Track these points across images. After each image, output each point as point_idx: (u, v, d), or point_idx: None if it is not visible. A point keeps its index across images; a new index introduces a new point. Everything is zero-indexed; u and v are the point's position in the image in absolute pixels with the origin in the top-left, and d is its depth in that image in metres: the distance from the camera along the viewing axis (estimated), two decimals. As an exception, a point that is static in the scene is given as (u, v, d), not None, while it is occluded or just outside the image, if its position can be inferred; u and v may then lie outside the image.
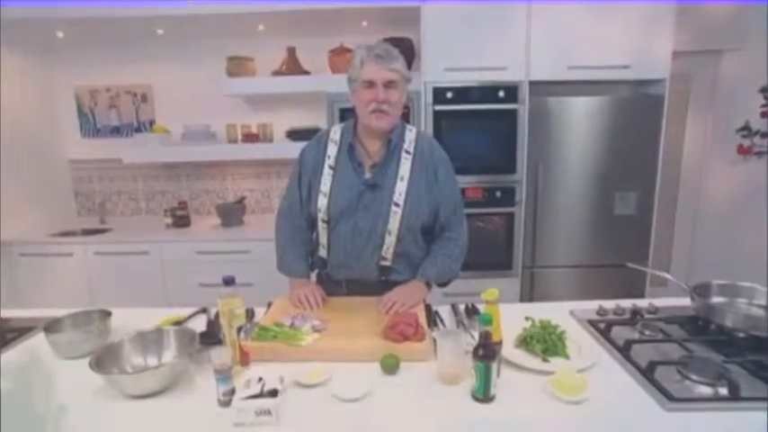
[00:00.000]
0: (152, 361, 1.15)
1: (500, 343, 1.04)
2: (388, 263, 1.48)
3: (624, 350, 1.15)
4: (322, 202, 1.44)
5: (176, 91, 3.19)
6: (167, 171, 3.34)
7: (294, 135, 2.94)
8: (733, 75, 2.98)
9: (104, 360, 1.07)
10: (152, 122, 3.26)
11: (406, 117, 2.59)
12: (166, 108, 3.25)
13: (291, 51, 2.92)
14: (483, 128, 2.62)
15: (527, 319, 1.25)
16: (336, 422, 0.93)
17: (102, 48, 3.13)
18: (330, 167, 1.45)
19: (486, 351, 0.96)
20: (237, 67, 2.90)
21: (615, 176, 2.63)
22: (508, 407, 0.96)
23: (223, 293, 1.11)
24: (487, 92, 2.57)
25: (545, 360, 1.12)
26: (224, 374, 0.97)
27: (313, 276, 1.63)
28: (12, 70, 2.84)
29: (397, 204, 1.41)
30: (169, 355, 1.16)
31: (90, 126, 3.30)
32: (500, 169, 2.65)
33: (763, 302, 1.30)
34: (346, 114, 2.60)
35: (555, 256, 2.73)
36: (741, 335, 1.16)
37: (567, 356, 1.13)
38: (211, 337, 1.23)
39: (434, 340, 1.14)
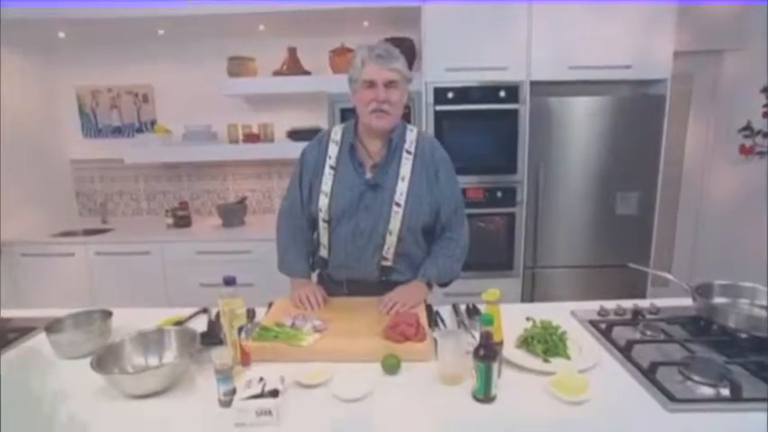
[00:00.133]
0: (153, 361, 1.15)
1: (501, 343, 1.04)
2: (388, 263, 1.47)
3: (625, 351, 1.15)
4: (323, 202, 1.44)
5: (177, 91, 3.20)
6: (168, 171, 3.34)
7: (295, 135, 2.94)
8: (734, 75, 2.98)
9: (105, 360, 1.07)
10: (153, 122, 3.27)
11: (406, 117, 2.61)
12: (167, 108, 3.25)
13: (292, 51, 2.92)
14: (484, 128, 2.61)
15: (528, 319, 1.25)
16: (337, 422, 0.93)
17: (103, 48, 3.13)
18: (331, 167, 1.45)
19: (487, 351, 0.96)
20: (238, 67, 2.90)
21: (616, 176, 2.62)
22: (509, 407, 0.96)
23: (224, 293, 1.11)
24: (488, 92, 2.57)
25: (546, 360, 1.12)
26: (225, 374, 0.97)
27: (314, 276, 1.63)
28: (13, 70, 2.85)
29: (398, 204, 1.41)
30: (170, 355, 1.16)
31: (91, 126, 3.30)
32: (501, 169, 2.64)
33: (764, 303, 1.30)
34: (347, 114, 2.60)
35: (556, 256, 2.73)
36: (743, 335, 1.16)
37: (568, 357, 1.13)
38: (212, 337, 1.23)
39: (435, 340, 1.14)
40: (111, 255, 2.81)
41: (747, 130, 2.91)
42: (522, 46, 2.52)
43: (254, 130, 3.09)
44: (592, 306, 1.45)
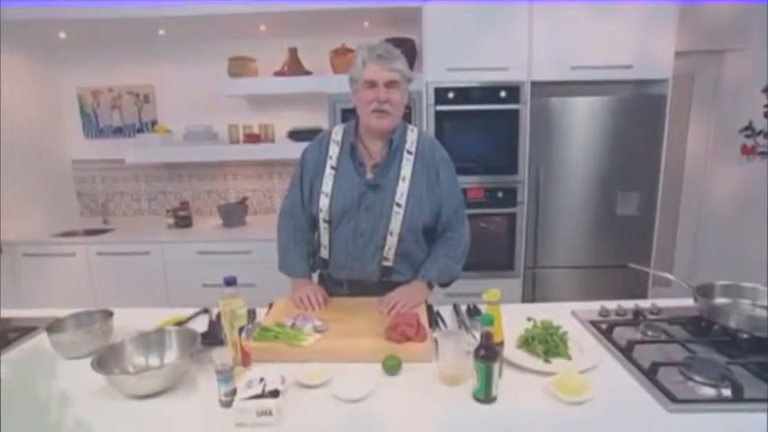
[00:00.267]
0: (154, 361, 1.15)
1: (501, 344, 1.04)
2: (389, 263, 1.47)
3: (626, 351, 1.15)
4: (324, 202, 1.44)
5: (178, 91, 3.20)
6: (169, 171, 3.34)
7: (296, 135, 2.94)
8: (736, 74, 2.97)
9: (106, 360, 1.07)
10: (154, 123, 3.27)
11: (407, 117, 2.60)
12: (168, 108, 3.26)
13: (293, 52, 2.93)
14: (485, 128, 2.61)
15: (529, 319, 1.25)
16: (338, 423, 0.93)
17: (104, 48, 3.14)
18: (332, 168, 1.45)
19: (488, 352, 0.96)
20: (239, 67, 2.91)
21: (617, 177, 2.62)
22: (509, 408, 0.96)
23: (225, 294, 1.11)
24: (489, 92, 2.56)
25: (547, 361, 1.12)
26: (225, 375, 0.97)
27: (315, 277, 1.63)
28: (14, 71, 2.86)
29: (398, 205, 1.41)
30: (171, 355, 1.16)
31: (92, 126, 3.31)
32: (502, 170, 2.64)
33: (766, 303, 1.29)
34: (348, 115, 2.60)
35: (557, 256, 2.73)
36: (744, 336, 1.16)
37: (568, 357, 1.13)
38: (213, 337, 1.24)
39: (436, 341, 1.14)
40: (112, 255, 2.82)
41: (748, 130, 2.91)
42: (523, 46, 2.52)
43: (255, 130, 3.09)
44: (593, 306, 1.44)
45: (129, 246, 2.82)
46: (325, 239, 1.50)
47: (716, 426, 0.89)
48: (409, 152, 1.45)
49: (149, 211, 3.41)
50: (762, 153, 2.90)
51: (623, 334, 1.24)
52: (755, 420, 0.89)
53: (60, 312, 1.34)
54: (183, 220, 3.05)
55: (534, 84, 2.55)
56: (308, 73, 2.92)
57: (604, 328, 1.28)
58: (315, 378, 1.05)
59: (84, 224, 3.25)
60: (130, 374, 1.08)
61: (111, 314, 1.33)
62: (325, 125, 2.92)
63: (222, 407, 0.97)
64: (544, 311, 1.31)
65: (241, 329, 1.12)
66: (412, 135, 1.47)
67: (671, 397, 0.95)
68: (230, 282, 1.12)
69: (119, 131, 3.31)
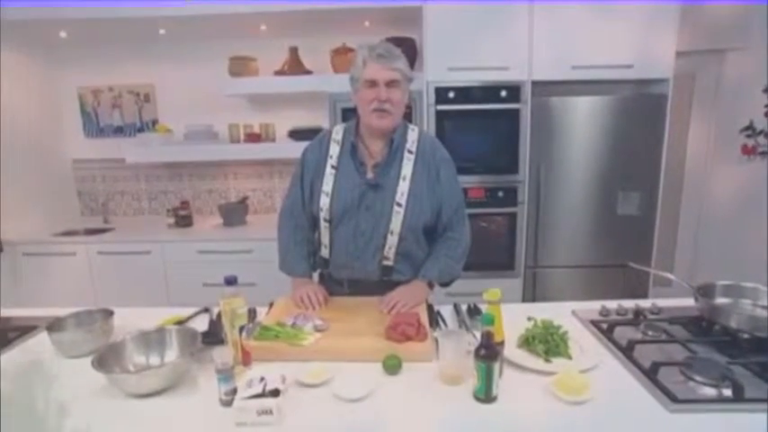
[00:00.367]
0: (154, 360, 1.15)
1: (502, 343, 1.04)
2: (390, 263, 1.47)
3: (627, 351, 1.15)
4: (324, 201, 1.44)
5: (179, 91, 3.20)
6: (170, 171, 3.35)
7: (296, 135, 2.94)
8: (737, 74, 2.97)
9: (107, 359, 1.07)
10: (155, 122, 3.27)
11: (408, 117, 2.61)
12: (169, 108, 3.26)
13: (293, 51, 2.93)
14: (485, 128, 2.61)
15: (529, 319, 1.25)
16: (338, 422, 0.93)
17: (104, 47, 3.14)
18: (332, 167, 1.45)
19: (488, 351, 0.96)
20: (240, 66, 2.91)
21: (618, 176, 2.62)
22: (510, 407, 0.96)
23: (225, 293, 1.11)
24: (490, 92, 2.56)
25: (547, 360, 1.12)
26: (226, 374, 0.97)
27: (315, 276, 1.63)
28: (14, 70, 2.86)
29: (399, 204, 1.41)
30: (171, 354, 1.16)
31: (93, 126, 3.31)
32: (502, 169, 2.64)
33: (767, 303, 1.29)
34: (348, 114, 2.60)
35: (557, 256, 2.73)
36: (745, 336, 1.16)
37: (569, 357, 1.13)
38: (213, 336, 1.24)
39: (436, 340, 1.13)
40: (112, 254, 2.82)
41: (749, 129, 2.90)
42: (524, 45, 2.52)
43: (256, 129, 3.09)
44: (593, 306, 1.44)
45: (129, 245, 2.82)
46: (325, 239, 1.50)
47: (717, 426, 0.89)
48: (410, 152, 1.44)
49: (150, 210, 3.41)
50: (762, 153, 2.90)
51: (624, 334, 1.24)
52: (756, 420, 0.89)
53: (61, 311, 1.34)
54: (183, 219, 3.06)
55: (535, 83, 2.55)
56: (308, 72, 2.92)
57: (605, 328, 1.28)
58: (315, 377, 1.05)
59: (85, 223, 3.25)
60: (131, 373, 1.08)
61: (111, 313, 1.33)
62: (325, 124, 2.92)
63: (222, 406, 0.97)
64: (545, 311, 1.32)
65: (241, 329, 1.12)
66: (412, 134, 1.47)
67: (671, 397, 0.95)
68: (231, 281, 1.12)
69: (119, 131, 3.31)
